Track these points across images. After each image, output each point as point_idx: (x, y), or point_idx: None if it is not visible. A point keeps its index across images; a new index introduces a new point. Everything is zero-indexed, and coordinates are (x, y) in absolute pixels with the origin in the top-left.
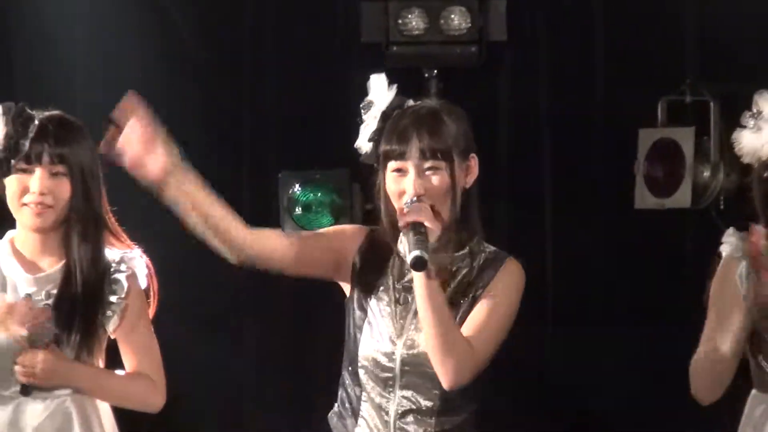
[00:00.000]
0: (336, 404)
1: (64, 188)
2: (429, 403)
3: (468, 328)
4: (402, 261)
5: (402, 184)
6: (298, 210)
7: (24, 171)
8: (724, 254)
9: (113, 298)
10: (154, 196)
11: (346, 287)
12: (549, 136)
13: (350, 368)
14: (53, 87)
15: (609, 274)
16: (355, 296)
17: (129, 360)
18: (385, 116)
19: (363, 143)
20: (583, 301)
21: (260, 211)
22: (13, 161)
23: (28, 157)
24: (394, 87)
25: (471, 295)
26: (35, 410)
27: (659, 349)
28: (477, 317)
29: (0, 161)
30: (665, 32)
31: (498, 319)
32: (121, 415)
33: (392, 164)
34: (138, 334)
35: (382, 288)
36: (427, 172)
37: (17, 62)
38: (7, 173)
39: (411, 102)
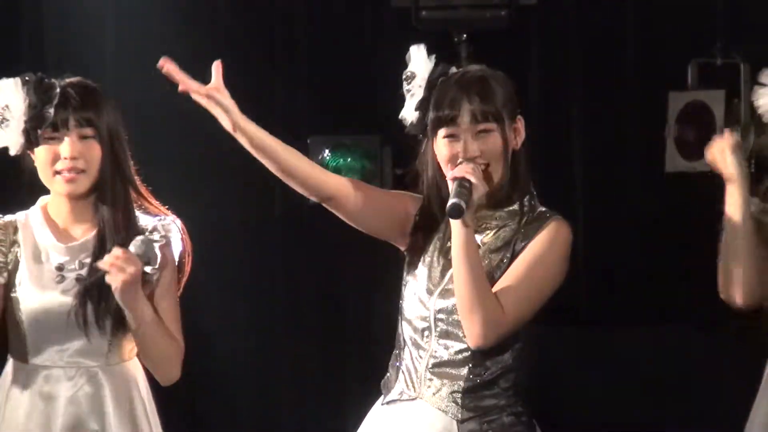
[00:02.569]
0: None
1: (95, 151)
2: (461, 353)
3: (500, 286)
4: (447, 229)
5: (455, 148)
6: None
7: (53, 139)
8: None
9: (147, 269)
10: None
11: (402, 247)
12: (579, 99)
13: (400, 325)
14: (82, 54)
15: (640, 236)
16: (408, 256)
17: None
18: (431, 85)
19: (409, 114)
20: (615, 262)
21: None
22: (40, 131)
23: (54, 124)
24: (433, 57)
25: (510, 253)
26: (68, 382)
27: (695, 305)
28: (511, 276)
29: (27, 132)
30: None
31: (534, 280)
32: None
33: (443, 131)
34: (165, 304)
35: (431, 246)
36: (481, 135)
37: (47, 36)
38: (36, 144)
39: (454, 69)
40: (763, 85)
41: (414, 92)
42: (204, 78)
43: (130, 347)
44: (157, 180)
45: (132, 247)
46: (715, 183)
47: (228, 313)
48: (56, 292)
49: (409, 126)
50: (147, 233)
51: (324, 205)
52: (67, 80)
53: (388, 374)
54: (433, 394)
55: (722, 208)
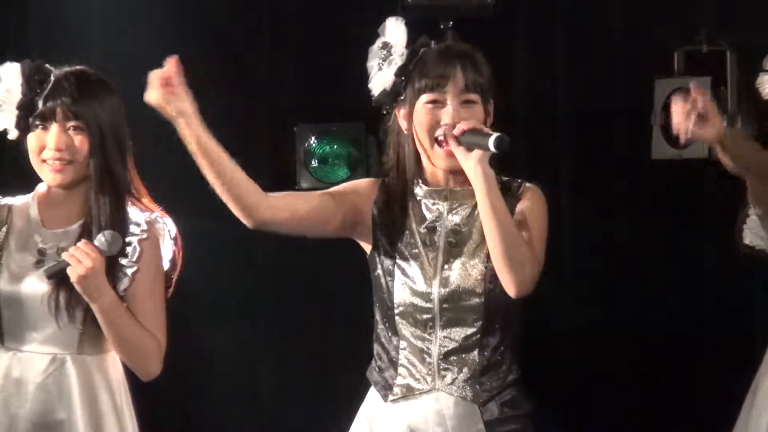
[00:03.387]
0: (373, 361)
1: (82, 144)
2: (471, 337)
3: None
4: (420, 204)
5: (437, 114)
6: (315, 162)
7: (41, 128)
8: None
9: (124, 261)
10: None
11: (366, 245)
12: (564, 86)
13: (384, 320)
14: (67, 37)
15: (626, 223)
16: (381, 246)
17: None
18: (413, 53)
19: (382, 81)
20: (599, 250)
21: (277, 164)
22: (30, 119)
23: (43, 114)
24: (402, 25)
25: None
26: (39, 367)
27: (676, 294)
28: (521, 232)
29: (19, 119)
30: None
31: (540, 232)
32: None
33: (427, 96)
34: (146, 300)
35: (406, 233)
36: (465, 105)
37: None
38: (27, 130)
39: (433, 42)
40: (766, 71)
41: (394, 60)
42: (187, 64)
43: (105, 339)
44: (142, 172)
45: (96, 241)
46: (701, 170)
47: (214, 308)
48: (33, 276)
49: (379, 95)
50: (131, 226)
51: (263, 229)
52: (66, 69)
53: (376, 370)
54: (451, 383)
55: (707, 195)
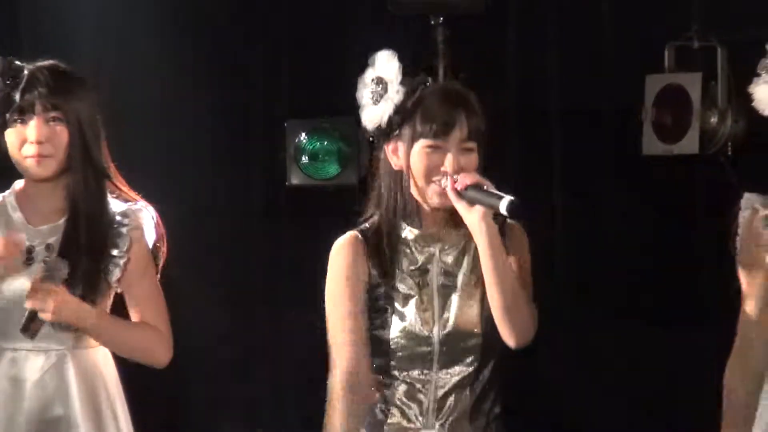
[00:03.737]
0: None
1: (62, 135)
2: (467, 377)
3: None
4: (410, 246)
5: (435, 160)
6: (305, 159)
7: (20, 122)
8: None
9: (115, 252)
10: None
11: None
12: (556, 82)
13: (378, 359)
14: (56, 32)
15: (618, 219)
16: (375, 289)
17: (134, 313)
18: (412, 92)
19: (378, 117)
20: (593, 246)
21: (267, 160)
22: (8, 115)
23: (21, 108)
24: (396, 59)
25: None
26: (35, 365)
27: (668, 289)
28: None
29: None
30: None
31: (528, 276)
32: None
33: (427, 141)
34: (142, 287)
35: (399, 274)
36: (463, 152)
37: (22, 17)
38: (5, 127)
39: (430, 80)
40: (758, 75)
41: (390, 97)
42: (180, 61)
43: None
44: (134, 166)
45: (44, 274)
46: (692, 166)
47: (206, 301)
48: (23, 276)
49: (374, 130)
50: (117, 217)
51: None
52: (39, 64)
53: (376, 414)
54: (444, 421)
55: (698, 191)
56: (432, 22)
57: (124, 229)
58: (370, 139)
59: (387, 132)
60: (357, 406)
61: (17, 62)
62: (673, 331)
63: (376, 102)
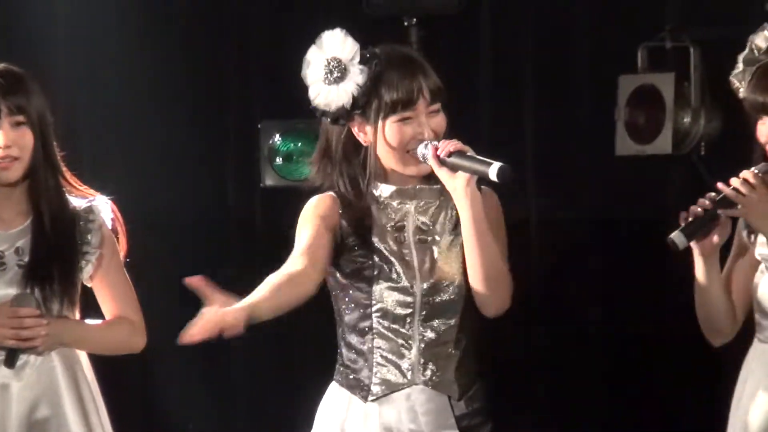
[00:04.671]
0: (341, 366)
1: (28, 138)
2: (448, 332)
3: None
4: (385, 206)
5: (410, 130)
6: (279, 160)
7: None
8: None
9: (87, 248)
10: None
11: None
12: (530, 83)
13: (357, 323)
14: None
15: (590, 220)
16: (351, 252)
17: (107, 305)
18: (370, 67)
19: (341, 97)
20: (565, 246)
21: (241, 161)
22: None
23: None
24: (351, 39)
25: (454, 226)
26: (21, 365)
27: (640, 290)
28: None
29: None
30: None
31: (504, 244)
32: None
33: (398, 114)
34: (113, 279)
35: (376, 236)
36: (431, 115)
37: None
38: None
39: (377, 50)
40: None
41: (351, 76)
42: (155, 63)
43: None
44: (108, 167)
45: (15, 304)
46: (665, 166)
47: (179, 303)
48: (1, 281)
49: (336, 110)
50: (81, 213)
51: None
52: None
53: (349, 373)
54: (430, 376)
55: (671, 191)
56: (406, 23)
57: (92, 225)
58: (323, 116)
59: (349, 111)
60: (286, 289)
61: None
62: (647, 331)
63: (335, 83)
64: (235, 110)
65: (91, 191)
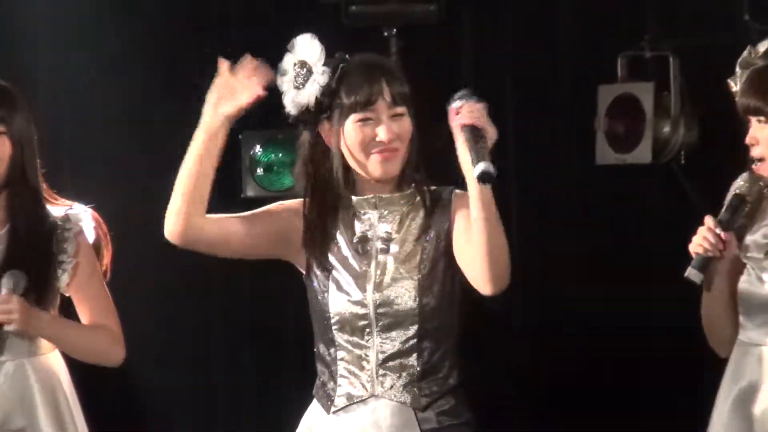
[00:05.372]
0: (317, 378)
1: (5, 149)
2: (408, 341)
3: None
4: (352, 214)
5: (370, 131)
6: (260, 170)
7: None
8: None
9: (63, 257)
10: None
11: (301, 265)
12: (509, 93)
13: (322, 334)
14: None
15: (571, 230)
16: (314, 262)
17: (85, 315)
18: (335, 70)
19: (305, 100)
20: (546, 256)
21: (222, 171)
22: None
23: None
24: (317, 42)
25: (433, 233)
26: None
27: (621, 298)
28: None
29: None
30: None
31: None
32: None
33: (358, 115)
34: (91, 289)
35: (337, 245)
36: (394, 118)
37: None
38: None
39: (347, 56)
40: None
41: (315, 79)
42: (134, 72)
43: None
44: (88, 174)
45: (3, 288)
46: (645, 175)
47: (160, 311)
48: None
49: (300, 113)
50: (59, 222)
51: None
52: None
53: (319, 384)
54: (390, 387)
55: (651, 200)
56: (386, 34)
57: (68, 234)
58: (296, 123)
59: (316, 114)
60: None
61: None
62: (628, 337)
63: (301, 86)
64: None
65: (68, 202)
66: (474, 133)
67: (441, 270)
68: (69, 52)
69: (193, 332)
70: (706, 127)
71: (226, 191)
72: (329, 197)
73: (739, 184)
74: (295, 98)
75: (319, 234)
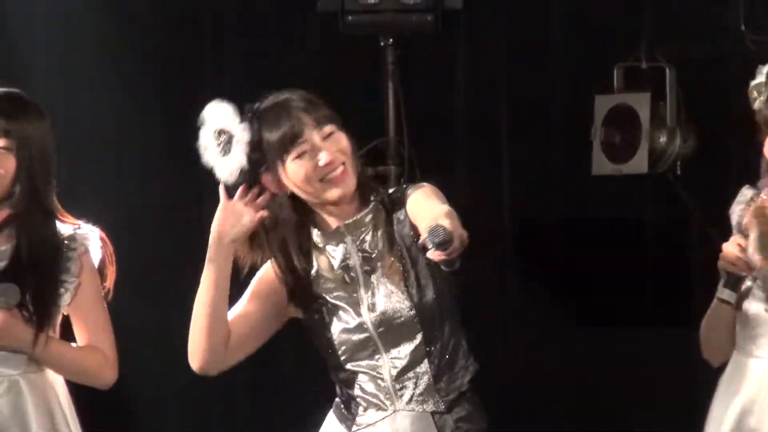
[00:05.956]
0: (336, 397)
1: (9, 163)
2: (416, 350)
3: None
4: (324, 250)
5: (310, 160)
6: None
7: None
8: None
9: (66, 276)
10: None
11: (298, 315)
12: (505, 103)
13: (334, 364)
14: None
15: (567, 240)
16: (308, 306)
17: (81, 336)
18: (251, 123)
19: (238, 163)
20: (541, 266)
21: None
22: None
23: None
24: (225, 104)
25: (401, 237)
26: None
27: (616, 308)
28: (422, 210)
29: None
30: None
31: (440, 200)
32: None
33: (293, 152)
34: (90, 310)
35: (321, 283)
36: (327, 139)
37: None
38: None
39: (255, 104)
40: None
41: (238, 140)
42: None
43: None
44: (83, 181)
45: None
46: (641, 185)
47: (155, 320)
48: None
49: (238, 178)
50: (65, 241)
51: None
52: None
53: (341, 406)
54: (409, 400)
55: (647, 211)
56: (382, 44)
57: (73, 254)
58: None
59: (252, 172)
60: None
61: None
62: (622, 349)
63: (227, 151)
64: None
65: (77, 221)
66: (436, 231)
67: (425, 267)
68: (66, 54)
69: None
70: (703, 137)
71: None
72: (295, 239)
73: (743, 206)
74: (227, 166)
75: (297, 281)
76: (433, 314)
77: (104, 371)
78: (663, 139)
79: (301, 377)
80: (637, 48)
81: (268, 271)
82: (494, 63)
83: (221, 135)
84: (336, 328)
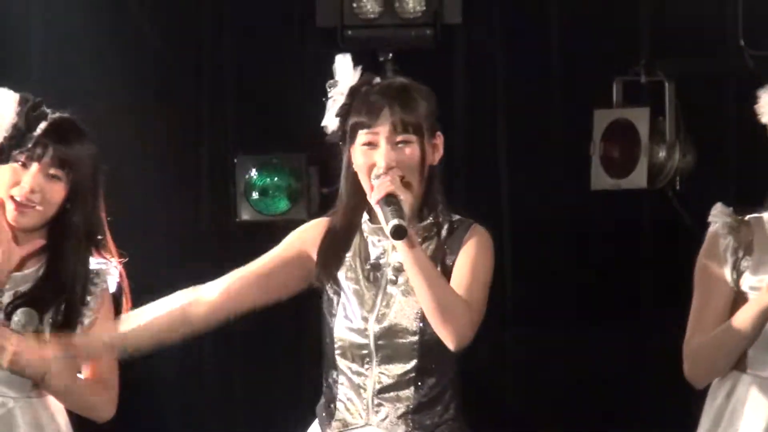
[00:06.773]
0: (321, 397)
1: (57, 192)
2: (406, 375)
3: (458, 288)
4: (366, 240)
5: (373, 156)
6: (255, 194)
7: (21, 164)
8: (709, 230)
9: (84, 310)
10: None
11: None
12: (504, 118)
13: (327, 355)
14: (7, 70)
15: (566, 254)
16: (327, 286)
17: (88, 368)
18: (353, 92)
19: (330, 120)
20: (541, 280)
21: (217, 195)
22: (14, 152)
23: (29, 152)
24: (359, 67)
25: (441, 263)
26: None
27: (614, 321)
28: (462, 277)
29: (2, 148)
30: (620, 13)
31: (482, 277)
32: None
33: (362, 138)
34: None
35: (349, 269)
36: (399, 145)
37: None
38: (5, 161)
39: (378, 79)
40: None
41: (335, 99)
42: (129, 97)
43: None
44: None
45: (12, 324)
46: (640, 200)
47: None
48: None
49: (329, 134)
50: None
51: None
52: (60, 115)
53: (322, 404)
54: (383, 419)
55: (646, 226)
56: (381, 59)
57: (96, 289)
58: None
59: (340, 134)
60: (166, 325)
61: (44, 108)
62: (619, 362)
63: (331, 104)
64: (210, 145)
65: (109, 256)
66: (388, 199)
67: None
68: (63, 55)
69: (185, 350)
70: (702, 152)
71: (222, 215)
72: (345, 218)
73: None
74: (326, 117)
75: (330, 254)
76: (433, 348)
77: (105, 407)
78: (662, 153)
79: (301, 377)
80: (636, 62)
81: (310, 228)
82: (493, 77)
83: (332, 87)
84: (340, 323)
